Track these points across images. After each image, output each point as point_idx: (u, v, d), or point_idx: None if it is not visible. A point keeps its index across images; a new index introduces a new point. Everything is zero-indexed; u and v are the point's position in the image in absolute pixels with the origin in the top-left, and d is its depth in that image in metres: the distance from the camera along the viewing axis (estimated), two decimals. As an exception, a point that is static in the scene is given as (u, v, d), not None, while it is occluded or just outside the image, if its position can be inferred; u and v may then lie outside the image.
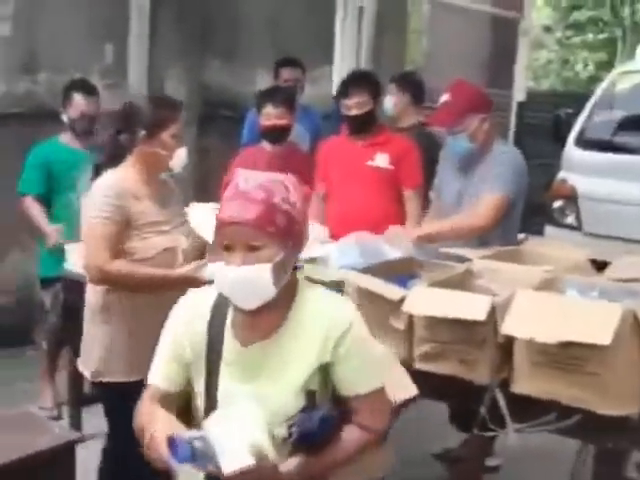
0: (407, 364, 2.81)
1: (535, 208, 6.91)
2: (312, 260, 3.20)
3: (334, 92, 6.18)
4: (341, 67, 6.24)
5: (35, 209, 4.23)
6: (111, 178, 2.88)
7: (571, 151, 6.46)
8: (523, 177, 3.61)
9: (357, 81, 4.13)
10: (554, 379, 2.51)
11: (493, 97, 8.10)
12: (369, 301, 2.87)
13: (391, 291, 2.84)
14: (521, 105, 8.53)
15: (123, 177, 2.91)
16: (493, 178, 3.50)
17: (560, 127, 6.77)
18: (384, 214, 3.92)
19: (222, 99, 5.98)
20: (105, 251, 2.78)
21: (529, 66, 13.38)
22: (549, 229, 6.39)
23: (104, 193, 2.82)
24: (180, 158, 2.99)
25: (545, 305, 2.56)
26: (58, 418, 4.23)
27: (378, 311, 2.86)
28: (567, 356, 2.47)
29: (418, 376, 2.78)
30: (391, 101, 4.88)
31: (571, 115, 6.76)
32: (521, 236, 6.43)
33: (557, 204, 6.41)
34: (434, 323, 2.73)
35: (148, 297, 2.87)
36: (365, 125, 4.07)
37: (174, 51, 5.78)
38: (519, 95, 8.51)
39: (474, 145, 3.60)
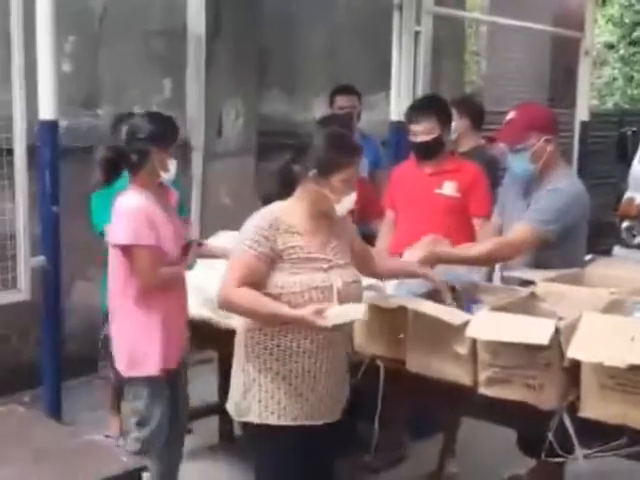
0: (471, 389, 2.76)
1: (603, 228, 6.78)
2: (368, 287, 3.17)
3: (391, 118, 6.20)
4: (398, 92, 6.20)
5: None
6: (270, 209, 2.85)
7: (637, 169, 6.32)
8: (570, 213, 3.42)
9: (425, 106, 4.09)
10: (623, 403, 2.44)
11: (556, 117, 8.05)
12: (431, 326, 2.84)
13: (453, 316, 2.81)
14: (585, 125, 8.37)
15: (286, 210, 2.83)
16: (533, 211, 3.40)
17: (625, 146, 6.64)
18: (450, 242, 3.84)
19: (280, 128, 6.03)
20: (236, 278, 2.73)
21: (593, 85, 13.21)
22: (617, 249, 6.25)
23: (258, 223, 2.78)
24: (346, 204, 2.84)
25: (612, 328, 2.51)
26: (123, 447, 4.26)
27: (440, 336, 2.83)
28: (636, 379, 2.40)
29: (483, 401, 2.74)
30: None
31: (636, 133, 6.63)
32: (588, 257, 6.33)
33: (625, 224, 6.27)
34: (498, 348, 2.69)
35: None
36: (432, 152, 4.02)
37: (231, 82, 5.86)
38: (582, 114, 8.34)
39: (535, 166, 3.49)
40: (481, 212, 3.99)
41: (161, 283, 3.24)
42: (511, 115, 3.60)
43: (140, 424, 3.27)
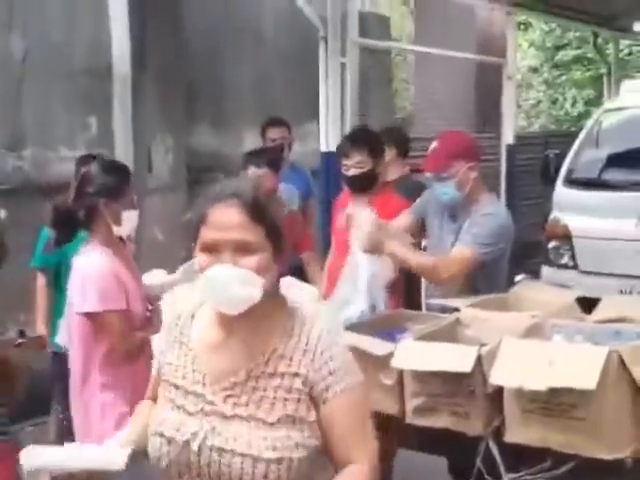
0: (399, 419, 2.79)
1: (531, 248, 6.92)
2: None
3: (321, 148, 6.27)
4: (327, 123, 6.29)
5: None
6: None
7: (561, 191, 6.49)
8: (503, 237, 3.49)
9: (356, 140, 4.10)
10: (545, 426, 2.49)
11: (482, 141, 8.24)
12: (358, 358, 2.86)
13: (378, 347, 2.84)
14: (510, 147, 8.58)
15: None
16: (469, 236, 3.47)
17: (549, 168, 6.80)
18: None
19: (210, 163, 6.04)
20: None
21: (520, 107, 13.51)
22: (545, 269, 6.39)
23: None
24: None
25: (531, 352, 2.56)
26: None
27: (367, 367, 2.84)
28: (556, 402, 2.45)
29: (411, 430, 2.77)
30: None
31: (559, 155, 6.80)
32: (519, 277, 6.44)
33: (552, 244, 6.40)
34: (424, 377, 2.72)
35: None
36: (364, 185, 4.02)
37: (159, 118, 5.86)
38: (508, 138, 8.56)
39: (461, 193, 3.56)
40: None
41: (132, 349, 3.04)
42: (434, 144, 3.67)
43: None
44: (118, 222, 3.09)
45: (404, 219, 3.82)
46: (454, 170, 3.53)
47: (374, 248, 3.27)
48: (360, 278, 3.24)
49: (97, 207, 3.02)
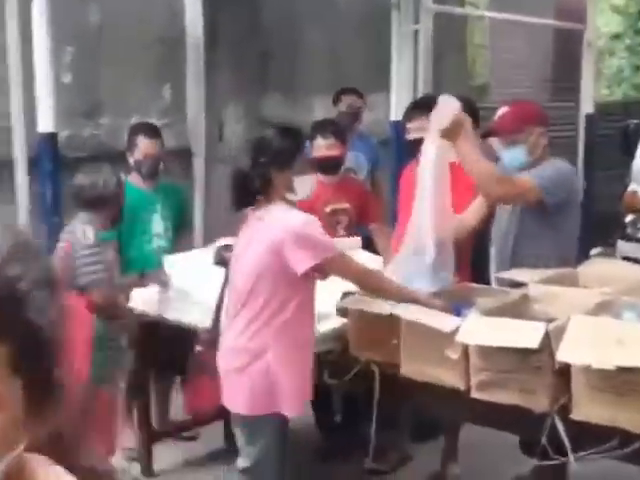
0: (464, 393, 2.78)
1: (610, 221, 6.74)
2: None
3: (391, 117, 6.22)
4: (398, 92, 6.22)
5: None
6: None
7: (639, 163, 6.28)
8: (565, 187, 3.41)
9: (420, 105, 4.09)
10: (613, 405, 2.45)
11: (560, 110, 8.03)
12: (422, 331, 2.86)
13: (444, 322, 2.82)
14: (590, 117, 8.34)
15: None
16: (531, 174, 3.38)
17: (628, 139, 6.58)
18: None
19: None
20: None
21: (602, 75, 13.11)
22: (621, 244, 6.20)
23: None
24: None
25: (600, 330, 2.51)
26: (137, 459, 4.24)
27: (432, 342, 2.84)
28: (625, 381, 2.41)
29: (476, 405, 2.76)
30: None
31: (638, 125, 6.58)
32: (595, 250, 6.29)
33: (629, 218, 6.21)
34: (489, 352, 2.70)
35: None
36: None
37: (231, 87, 5.88)
38: (587, 107, 8.32)
39: (530, 159, 3.48)
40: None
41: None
42: (504, 109, 3.62)
43: None
44: (290, 189, 3.05)
45: (474, 207, 3.72)
46: (525, 135, 3.46)
47: (451, 133, 3.15)
48: (426, 258, 3.20)
49: (270, 175, 2.95)
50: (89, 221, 3.49)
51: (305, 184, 3.13)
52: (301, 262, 2.83)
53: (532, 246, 3.41)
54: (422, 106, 4.05)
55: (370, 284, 3.04)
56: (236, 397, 2.99)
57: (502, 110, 3.67)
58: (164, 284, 3.81)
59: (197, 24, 5.58)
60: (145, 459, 4.15)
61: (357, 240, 4.14)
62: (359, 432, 3.97)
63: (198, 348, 3.39)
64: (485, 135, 3.80)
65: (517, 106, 3.64)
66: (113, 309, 3.45)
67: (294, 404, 2.99)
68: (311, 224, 2.92)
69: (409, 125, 4.03)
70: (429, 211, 3.14)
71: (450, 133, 3.15)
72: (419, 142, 3.94)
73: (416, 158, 4.06)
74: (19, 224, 4.27)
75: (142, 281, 3.92)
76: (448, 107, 3.16)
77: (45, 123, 4.40)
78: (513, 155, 3.52)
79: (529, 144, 3.47)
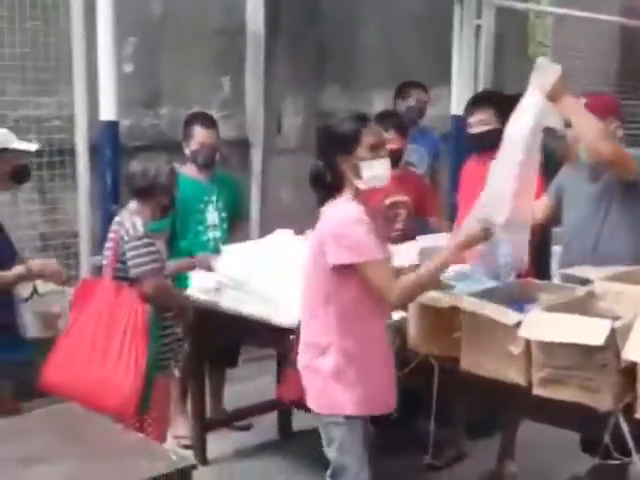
0: (526, 389, 2.72)
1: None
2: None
3: (452, 112, 6.15)
4: (459, 87, 6.14)
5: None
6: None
7: None
8: None
9: (482, 99, 4.06)
10: (682, 406, 2.37)
11: (625, 109, 7.86)
12: (484, 326, 2.81)
13: (507, 315, 2.77)
14: (654, 116, 8.16)
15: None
16: None
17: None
18: None
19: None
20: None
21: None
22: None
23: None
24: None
25: (669, 328, 2.43)
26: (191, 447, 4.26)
27: (494, 336, 2.79)
28: (695, 382, 2.33)
29: (537, 401, 2.70)
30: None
31: None
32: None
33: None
34: (552, 348, 2.64)
35: None
36: (487, 144, 3.82)
37: (290, 79, 5.88)
38: (652, 106, 8.14)
39: None
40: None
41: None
42: (584, 101, 3.53)
43: None
44: (357, 175, 2.84)
45: (541, 203, 3.64)
46: (606, 124, 3.34)
47: (556, 93, 3.06)
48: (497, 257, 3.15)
49: (337, 164, 2.84)
50: (138, 211, 3.44)
51: (375, 168, 2.85)
52: (334, 256, 2.76)
53: (616, 247, 3.33)
54: (483, 100, 4.03)
55: (391, 301, 2.83)
56: (309, 394, 2.93)
57: (582, 101, 3.59)
58: (210, 269, 3.88)
59: (257, 16, 5.59)
60: (199, 447, 4.17)
61: (415, 246, 4.04)
62: (415, 428, 3.94)
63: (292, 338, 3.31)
64: (565, 125, 3.68)
65: (597, 97, 3.56)
66: (165, 299, 3.43)
67: (370, 402, 2.88)
68: (354, 225, 2.77)
69: (470, 119, 3.99)
70: (512, 176, 2.97)
71: (555, 93, 3.06)
72: (481, 136, 3.93)
73: (478, 152, 4.02)
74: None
75: (191, 263, 4.02)
76: (549, 69, 3.09)
77: (107, 112, 4.44)
78: None
79: (609, 135, 3.37)
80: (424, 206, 4.33)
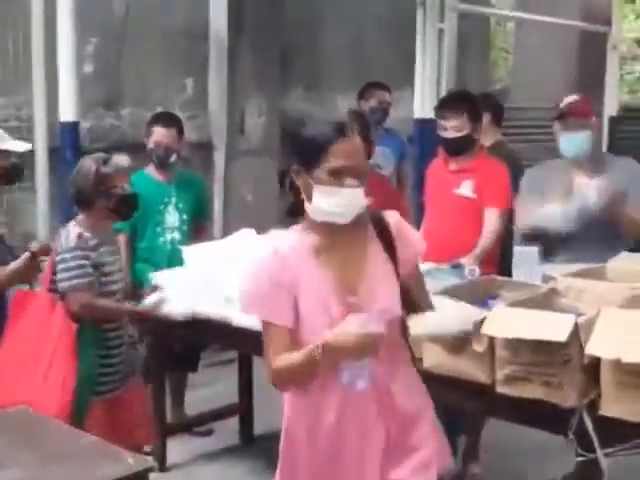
0: (488, 387, 2.72)
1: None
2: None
3: (415, 115, 6.17)
4: (422, 90, 6.17)
5: (125, 252, 4.08)
6: None
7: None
8: None
9: (455, 102, 4.01)
10: (644, 401, 2.37)
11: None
12: (447, 323, 2.80)
13: (469, 313, 2.76)
14: (613, 119, 8.26)
15: None
16: None
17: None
18: (462, 241, 3.83)
19: (302, 126, 6.00)
20: None
21: (624, 80, 13.00)
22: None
23: None
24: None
25: (631, 324, 2.44)
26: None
27: (457, 334, 2.78)
28: (657, 376, 2.34)
29: (501, 400, 2.69)
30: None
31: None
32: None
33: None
34: (515, 345, 2.63)
35: None
36: (461, 149, 3.95)
37: (253, 81, 5.85)
38: (611, 109, 8.24)
39: (589, 146, 3.62)
40: (492, 203, 3.89)
41: None
42: (574, 97, 3.74)
43: None
44: (309, 198, 2.18)
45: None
46: (594, 121, 3.66)
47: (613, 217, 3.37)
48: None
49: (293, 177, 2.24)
50: (79, 220, 3.26)
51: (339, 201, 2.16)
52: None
53: None
54: (457, 104, 3.98)
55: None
56: None
57: (571, 97, 3.75)
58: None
59: (221, 17, 5.56)
60: (159, 452, 4.10)
61: None
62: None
63: None
64: (557, 117, 3.74)
65: (584, 95, 3.82)
66: (93, 315, 3.18)
67: None
68: (258, 273, 2.21)
69: (444, 123, 3.94)
70: None
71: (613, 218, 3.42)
72: (454, 141, 3.92)
73: (449, 155, 4.02)
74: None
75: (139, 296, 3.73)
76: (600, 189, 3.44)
77: (67, 113, 4.39)
78: (577, 140, 3.60)
79: (593, 132, 3.61)
80: (389, 207, 4.30)
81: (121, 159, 3.37)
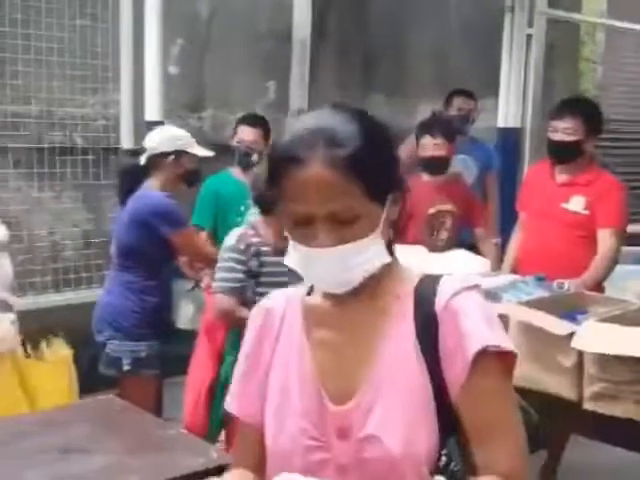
0: (575, 404, 2.61)
1: None
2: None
3: (499, 124, 6.04)
4: (507, 97, 6.04)
5: (209, 247, 3.97)
6: None
7: None
8: None
9: (573, 105, 3.76)
10: None
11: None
12: (533, 336, 2.70)
13: (558, 325, 2.66)
14: None
15: None
16: None
17: None
18: (570, 259, 3.59)
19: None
20: None
21: None
22: None
23: None
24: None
25: None
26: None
27: (543, 347, 2.68)
28: None
29: (589, 417, 2.58)
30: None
31: None
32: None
33: None
34: (607, 361, 2.52)
35: None
36: (568, 155, 3.69)
37: (335, 85, 5.81)
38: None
39: None
40: (606, 223, 3.62)
41: None
42: None
43: None
44: None
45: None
46: None
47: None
48: None
49: None
50: (252, 223, 3.30)
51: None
52: None
53: None
54: (574, 106, 3.73)
55: None
56: None
57: None
58: None
59: (305, 20, 5.54)
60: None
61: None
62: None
63: None
64: None
65: None
66: (233, 323, 3.23)
67: None
68: None
69: (556, 124, 3.68)
70: None
71: None
72: (564, 145, 3.65)
73: (555, 160, 3.76)
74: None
75: None
76: None
77: (152, 113, 4.43)
78: None
79: None
80: (470, 216, 4.22)
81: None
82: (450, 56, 6.49)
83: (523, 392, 2.68)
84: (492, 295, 3.09)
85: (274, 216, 2.97)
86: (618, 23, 7.45)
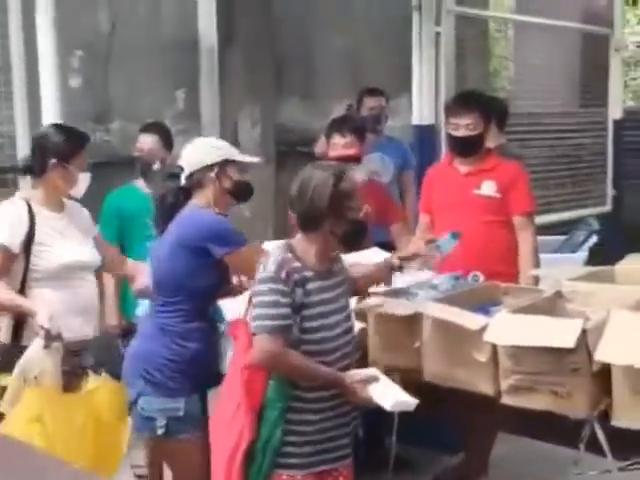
0: (492, 399, 2.55)
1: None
2: (393, 292, 3.00)
3: (413, 122, 6.02)
4: (420, 95, 6.02)
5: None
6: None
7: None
8: None
9: (469, 100, 3.92)
10: (661, 410, 2.21)
11: (587, 117, 7.87)
12: (447, 332, 2.64)
13: (470, 320, 2.60)
14: (617, 123, 8.11)
15: None
16: None
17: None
18: (491, 243, 3.74)
19: (298, 136, 5.86)
20: None
21: (628, 86, 12.88)
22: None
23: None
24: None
25: (643, 326, 2.28)
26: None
27: (458, 343, 2.62)
28: (673, 382, 2.17)
29: (505, 411, 2.54)
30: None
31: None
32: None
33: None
34: (520, 353, 2.48)
35: None
36: (472, 149, 3.86)
37: (246, 91, 5.71)
38: (615, 113, 8.09)
39: None
40: (521, 209, 3.83)
41: None
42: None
43: None
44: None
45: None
46: None
47: None
48: None
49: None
50: (288, 243, 2.98)
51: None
52: None
53: None
54: (470, 101, 3.90)
55: None
56: None
57: None
58: None
59: (211, 27, 5.44)
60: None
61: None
62: (383, 446, 3.74)
63: None
64: None
65: None
66: (279, 367, 2.67)
67: None
68: None
69: (456, 121, 3.82)
70: None
71: None
72: (467, 140, 3.80)
73: (458, 155, 3.92)
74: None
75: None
76: None
77: (50, 127, 4.25)
78: None
79: None
80: (385, 214, 4.18)
81: (356, 173, 2.78)
82: (363, 56, 6.46)
83: (444, 391, 2.65)
84: (408, 293, 3.04)
85: (319, 232, 2.59)
86: (525, 18, 7.55)
